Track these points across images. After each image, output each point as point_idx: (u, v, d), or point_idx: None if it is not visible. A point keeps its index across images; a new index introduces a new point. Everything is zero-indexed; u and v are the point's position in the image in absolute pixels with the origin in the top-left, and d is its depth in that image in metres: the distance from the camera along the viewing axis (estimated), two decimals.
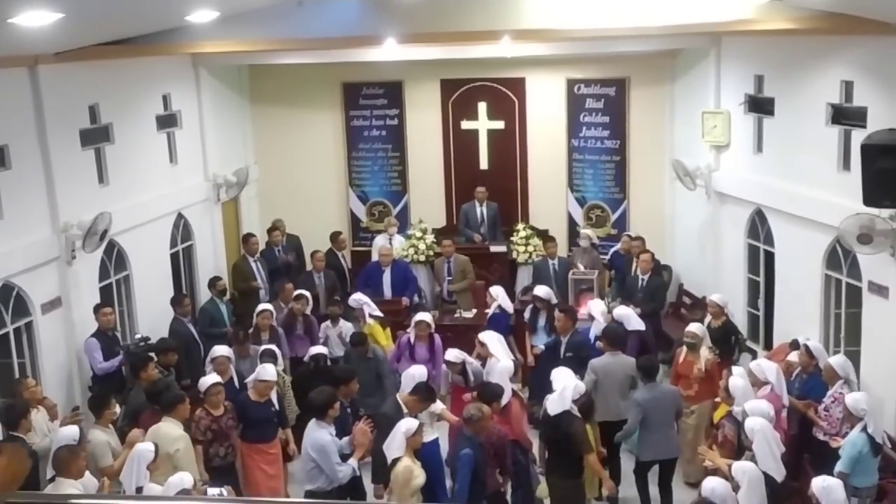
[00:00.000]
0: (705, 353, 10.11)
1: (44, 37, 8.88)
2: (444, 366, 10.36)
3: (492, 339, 10.23)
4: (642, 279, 12.51)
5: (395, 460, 7.92)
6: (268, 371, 9.34)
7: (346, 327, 11.71)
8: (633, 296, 12.45)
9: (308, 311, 12.02)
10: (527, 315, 11.92)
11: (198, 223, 13.78)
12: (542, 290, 11.83)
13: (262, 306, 11.63)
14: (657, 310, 12.55)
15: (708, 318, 11.20)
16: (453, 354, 10.17)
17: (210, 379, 9.29)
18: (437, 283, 13.81)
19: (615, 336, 10.17)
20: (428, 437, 8.87)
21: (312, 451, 8.29)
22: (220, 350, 10.13)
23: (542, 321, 11.70)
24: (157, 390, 9.28)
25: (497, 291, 11.93)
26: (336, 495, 8.31)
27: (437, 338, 11.11)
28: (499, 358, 9.94)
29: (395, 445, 8.01)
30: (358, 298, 11.88)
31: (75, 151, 11.13)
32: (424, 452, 8.53)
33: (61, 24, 8.11)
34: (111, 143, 11.82)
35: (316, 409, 8.44)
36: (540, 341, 11.54)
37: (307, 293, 12.09)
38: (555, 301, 11.79)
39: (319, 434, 8.34)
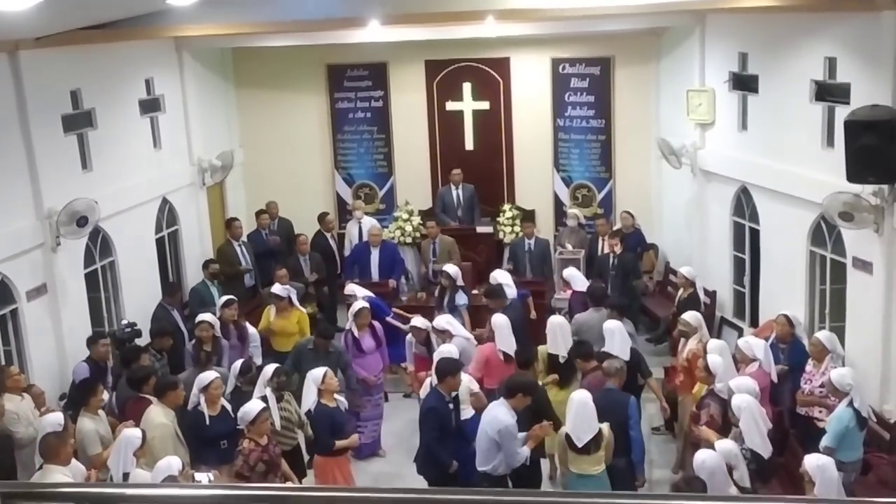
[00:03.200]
0: (692, 343, 9.94)
1: (24, 22, 8.79)
2: (409, 336, 10.66)
3: (446, 322, 10.37)
4: (613, 258, 12.66)
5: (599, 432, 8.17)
6: (321, 371, 8.91)
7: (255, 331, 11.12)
8: (605, 274, 12.57)
9: (237, 317, 10.99)
10: (436, 294, 12.10)
11: (183, 208, 13.72)
12: (450, 269, 11.95)
13: (200, 317, 10.60)
14: (629, 284, 12.68)
15: (680, 291, 11.39)
16: (420, 321, 10.47)
17: (256, 406, 8.28)
18: (424, 265, 13.81)
19: (598, 293, 10.96)
20: (467, 415, 8.98)
21: (493, 431, 8.02)
22: (212, 374, 8.98)
23: (446, 299, 11.79)
24: (138, 377, 9.24)
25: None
26: (506, 481, 8.13)
27: (376, 324, 10.95)
28: (463, 335, 10.29)
29: (594, 419, 8.16)
30: (286, 287, 11.61)
31: (58, 137, 11.06)
32: (469, 430, 8.70)
33: (41, 8, 8.02)
34: (94, 128, 11.75)
35: (507, 390, 8.17)
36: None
37: (236, 299, 11.07)
38: (461, 282, 11.86)
39: (504, 415, 8.06)
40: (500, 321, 10.08)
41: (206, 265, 12.77)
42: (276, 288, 11.52)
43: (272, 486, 5.14)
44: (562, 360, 9.70)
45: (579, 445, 8.07)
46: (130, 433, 7.84)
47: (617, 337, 9.53)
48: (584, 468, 8.16)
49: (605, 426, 8.22)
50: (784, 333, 9.91)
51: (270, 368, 9.14)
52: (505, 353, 9.85)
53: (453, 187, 14.78)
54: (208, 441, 8.62)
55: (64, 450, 7.47)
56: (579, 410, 8.13)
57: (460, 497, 2.61)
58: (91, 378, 9.59)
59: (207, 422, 8.68)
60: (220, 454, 8.52)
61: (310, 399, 8.85)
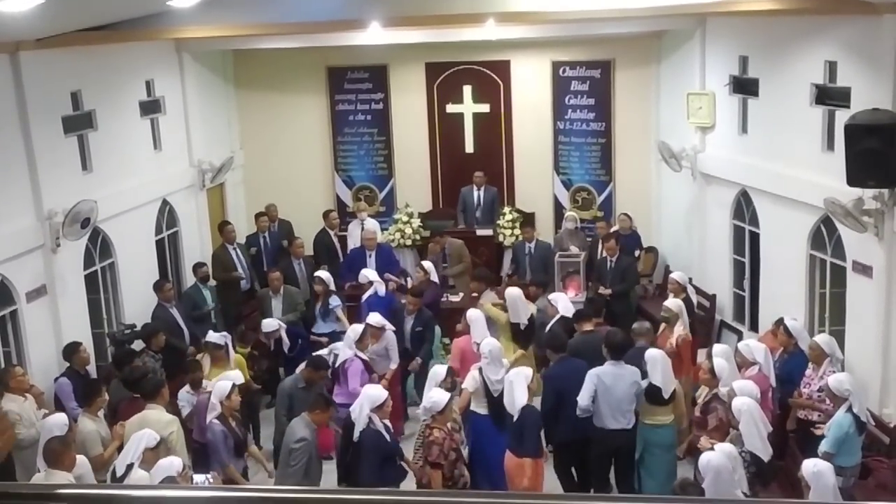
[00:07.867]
0: (678, 329, 10.21)
1: (24, 22, 8.78)
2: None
3: (381, 317, 10.62)
4: (610, 261, 12.63)
5: None
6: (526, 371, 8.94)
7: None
8: (603, 277, 12.57)
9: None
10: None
11: (183, 209, 13.72)
12: (323, 274, 12.18)
13: (227, 378, 9.06)
14: (627, 290, 12.70)
15: (671, 296, 11.36)
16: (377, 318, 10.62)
17: (444, 395, 8.27)
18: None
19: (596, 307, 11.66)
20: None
21: (637, 379, 8.84)
22: (384, 392, 8.45)
23: (319, 304, 11.98)
24: (134, 378, 9.17)
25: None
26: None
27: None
28: (392, 328, 10.69)
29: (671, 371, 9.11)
30: (224, 334, 10.54)
31: (58, 138, 11.06)
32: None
33: (42, 9, 8.03)
34: (94, 129, 11.75)
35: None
36: (319, 328, 11.90)
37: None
38: (333, 287, 12.06)
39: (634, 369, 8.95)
40: (474, 315, 10.27)
41: (196, 268, 12.62)
42: (214, 336, 10.28)
43: (273, 488, 5.07)
44: (522, 328, 10.57)
45: (666, 396, 8.78)
46: (149, 432, 7.74)
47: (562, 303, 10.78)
48: (659, 419, 8.89)
49: (677, 382, 9.02)
50: (783, 343, 9.87)
51: (443, 369, 8.95)
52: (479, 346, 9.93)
53: (475, 188, 14.78)
54: (389, 457, 8.29)
55: (68, 455, 7.39)
56: (664, 365, 8.85)
57: (463, 500, 2.61)
58: (95, 378, 9.57)
59: (389, 438, 8.34)
60: (398, 470, 8.37)
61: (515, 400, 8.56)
